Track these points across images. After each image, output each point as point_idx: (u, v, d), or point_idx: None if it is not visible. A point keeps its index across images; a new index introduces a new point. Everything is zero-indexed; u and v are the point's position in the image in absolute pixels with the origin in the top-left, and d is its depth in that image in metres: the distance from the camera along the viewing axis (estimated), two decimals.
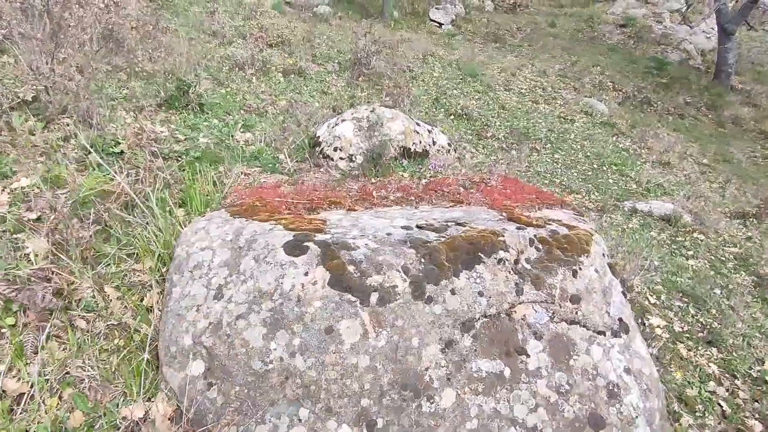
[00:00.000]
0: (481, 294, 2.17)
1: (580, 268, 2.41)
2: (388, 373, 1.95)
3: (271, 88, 7.47)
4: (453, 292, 2.13)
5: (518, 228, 2.49)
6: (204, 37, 8.60)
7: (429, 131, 3.49)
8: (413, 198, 2.80)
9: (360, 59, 8.89)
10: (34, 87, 3.68)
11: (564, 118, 9.54)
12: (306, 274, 2.03)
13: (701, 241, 5.75)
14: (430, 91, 9.75)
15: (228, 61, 7.56)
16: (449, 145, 3.59)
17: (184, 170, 2.91)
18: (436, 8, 15.58)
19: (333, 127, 3.22)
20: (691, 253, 5.44)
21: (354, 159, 3.12)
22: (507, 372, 2.09)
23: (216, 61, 7.56)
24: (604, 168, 7.81)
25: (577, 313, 2.32)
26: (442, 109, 9.21)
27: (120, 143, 3.62)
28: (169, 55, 5.68)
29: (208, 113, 4.97)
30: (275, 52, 8.90)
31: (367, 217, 2.50)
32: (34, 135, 3.52)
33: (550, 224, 2.66)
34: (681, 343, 3.74)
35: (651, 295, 4.35)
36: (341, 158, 3.09)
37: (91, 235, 2.36)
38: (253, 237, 2.24)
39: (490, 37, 14.82)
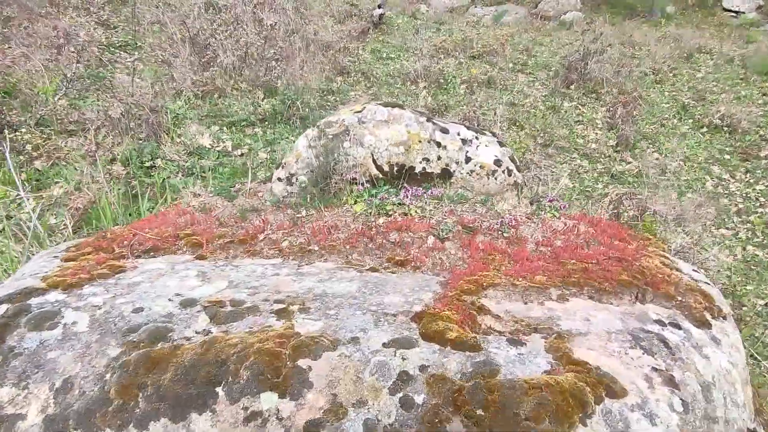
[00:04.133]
0: None
1: None
2: None
3: (439, 103, 6.66)
4: None
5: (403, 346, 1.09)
6: (402, 54, 8.44)
7: (464, 141, 2.08)
8: (319, 249, 1.63)
9: (572, 63, 7.15)
10: (119, 107, 3.87)
11: None
12: None
13: None
14: (679, 97, 7.29)
15: (401, 76, 7.13)
16: (497, 164, 2.10)
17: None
18: None
19: (299, 136, 2.24)
20: None
21: (293, 181, 2.07)
22: None
23: (393, 76, 7.23)
24: None
25: None
26: (690, 120, 6.77)
27: (156, 158, 3.47)
28: (309, 72, 5.51)
29: (307, 128, 4.55)
30: (472, 64, 8.08)
31: (178, 277, 1.50)
32: (101, 149, 3.68)
33: (525, 342, 1.12)
34: None
35: None
36: (279, 179, 2.07)
37: None
38: None
39: None
